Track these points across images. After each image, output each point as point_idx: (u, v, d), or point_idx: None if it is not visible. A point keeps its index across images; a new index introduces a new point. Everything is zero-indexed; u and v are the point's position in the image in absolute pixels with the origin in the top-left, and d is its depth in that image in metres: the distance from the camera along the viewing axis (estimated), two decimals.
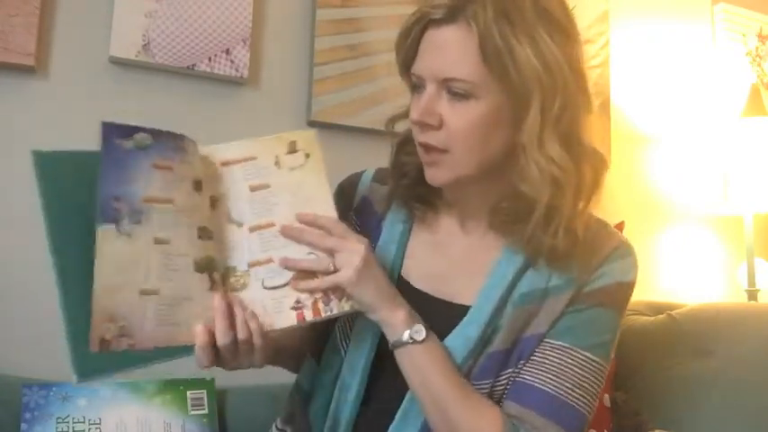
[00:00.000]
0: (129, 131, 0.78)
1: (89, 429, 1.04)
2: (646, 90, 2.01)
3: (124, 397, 1.07)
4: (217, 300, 0.79)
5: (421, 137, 0.82)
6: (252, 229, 0.83)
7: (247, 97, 1.52)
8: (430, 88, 0.80)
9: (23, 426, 1.01)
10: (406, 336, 0.81)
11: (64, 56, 1.37)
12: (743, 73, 2.12)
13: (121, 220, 0.75)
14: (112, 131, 0.78)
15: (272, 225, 0.84)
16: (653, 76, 2.03)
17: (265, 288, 0.82)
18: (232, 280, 0.81)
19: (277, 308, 0.82)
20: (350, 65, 1.58)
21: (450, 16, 0.77)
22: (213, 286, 0.79)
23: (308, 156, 0.87)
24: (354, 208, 0.97)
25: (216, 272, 0.80)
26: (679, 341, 1.37)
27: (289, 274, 0.83)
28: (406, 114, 0.87)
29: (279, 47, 1.57)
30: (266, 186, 0.85)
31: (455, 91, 0.78)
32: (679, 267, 2.01)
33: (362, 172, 1.02)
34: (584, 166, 0.80)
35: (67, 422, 1.03)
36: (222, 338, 0.77)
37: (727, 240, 2.08)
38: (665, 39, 2.06)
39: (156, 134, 0.80)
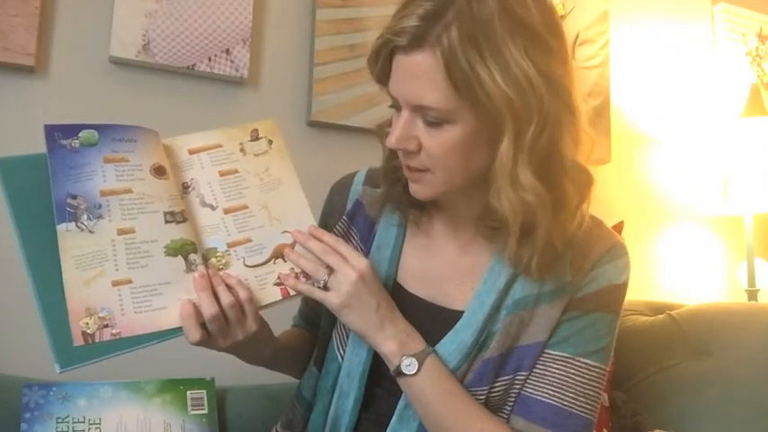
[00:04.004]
0: (73, 130, 0.80)
1: (89, 429, 1.03)
2: (646, 90, 2.01)
3: (124, 397, 1.07)
4: (194, 276, 0.80)
5: (402, 159, 0.81)
6: (226, 211, 0.86)
7: (247, 97, 1.53)
8: (405, 113, 0.77)
9: (23, 426, 1.01)
10: (397, 369, 0.80)
11: (64, 56, 1.37)
12: (743, 73, 2.12)
13: (80, 217, 0.77)
14: (57, 133, 0.79)
15: (246, 207, 0.87)
16: (653, 76, 2.03)
17: (247, 266, 0.84)
18: (213, 260, 0.83)
19: (261, 285, 0.84)
20: (350, 65, 1.58)
21: (415, 43, 0.73)
22: (190, 268, 0.80)
23: (270, 142, 0.91)
24: (347, 212, 0.97)
25: (192, 254, 0.81)
26: (679, 341, 1.37)
27: (268, 253, 0.85)
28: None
29: (279, 47, 1.57)
30: (235, 171, 0.88)
31: (428, 119, 0.76)
32: (679, 267, 2.01)
33: (354, 174, 1.01)
34: (566, 185, 0.78)
35: (67, 422, 1.03)
36: (207, 309, 0.78)
37: (727, 240, 2.08)
38: (665, 39, 2.06)
39: (101, 129, 0.81)
